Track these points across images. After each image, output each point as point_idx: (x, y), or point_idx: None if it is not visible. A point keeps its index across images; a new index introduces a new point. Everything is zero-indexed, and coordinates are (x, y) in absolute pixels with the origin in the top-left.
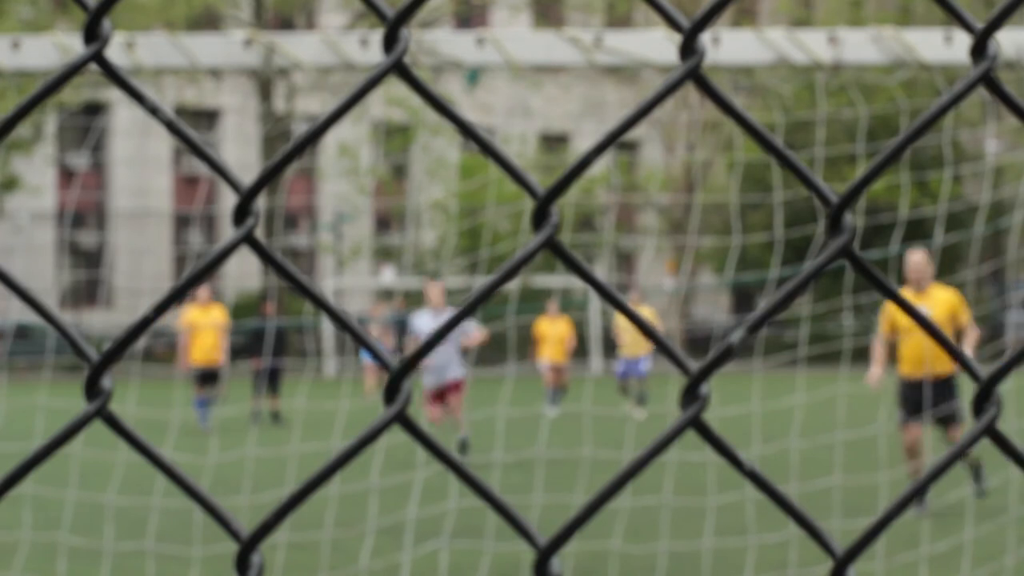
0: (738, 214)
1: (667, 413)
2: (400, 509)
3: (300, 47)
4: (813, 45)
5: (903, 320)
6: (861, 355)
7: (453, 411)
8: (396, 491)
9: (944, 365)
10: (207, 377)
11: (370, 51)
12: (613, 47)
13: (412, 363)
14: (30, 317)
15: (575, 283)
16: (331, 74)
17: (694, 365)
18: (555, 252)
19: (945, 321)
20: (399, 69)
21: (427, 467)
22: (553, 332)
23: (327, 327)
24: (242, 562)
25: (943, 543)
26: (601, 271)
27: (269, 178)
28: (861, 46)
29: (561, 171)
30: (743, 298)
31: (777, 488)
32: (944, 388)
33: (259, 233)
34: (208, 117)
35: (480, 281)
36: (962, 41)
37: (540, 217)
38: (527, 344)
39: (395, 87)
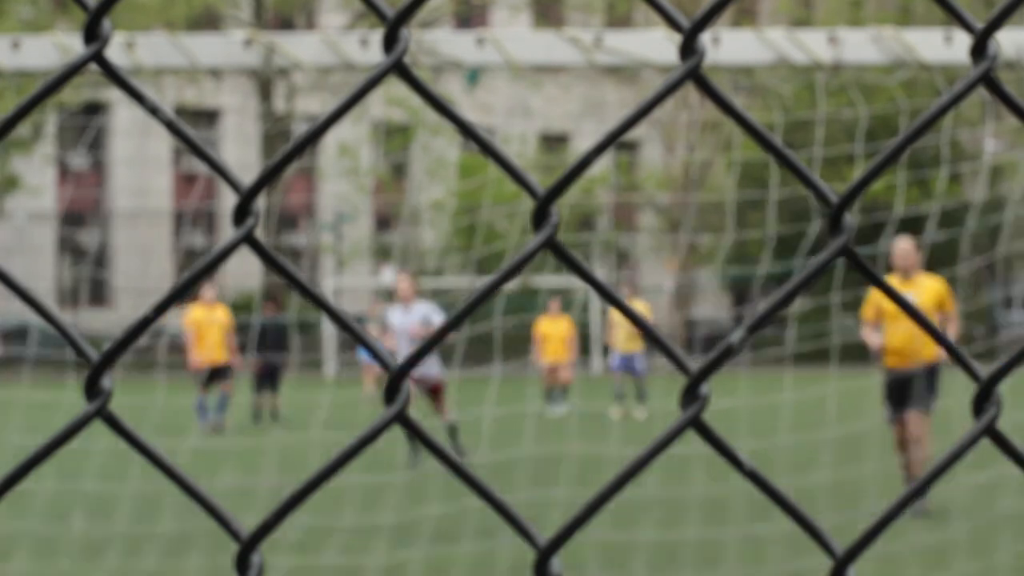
0: (734, 212)
1: (665, 412)
2: (374, 511)
3: (300, 47)
4: (813, 45)
5: (888, 306)
6: (850, 353)
7: (438, 411)
8: (373, 491)
9: (930, 351)
10: (212, 376)
11: (370, 51)
12: (613, 47)
13: (412, 363)
14: (30, 317)
15: (575, 283)
16: (331, 74)
17: (694, 364)
18: (555, 252)
19: (931, 309)
20: (399, 69)
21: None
22: (555, 332)
23: (327, 327)
24: (242, 562)
25: (932, 537)
26: (601, 271)
27: (269, 178)
28: (861, 46)
29: (561, 171)
30: (743, 296)
31: (777, 488)
32: (928, 376)
33: (259, 233)
34: (208, 117)
35: (479, 281)
36: (962, 41)
37: (540, 217)
38: (517, 343)
39: (395, 87)
